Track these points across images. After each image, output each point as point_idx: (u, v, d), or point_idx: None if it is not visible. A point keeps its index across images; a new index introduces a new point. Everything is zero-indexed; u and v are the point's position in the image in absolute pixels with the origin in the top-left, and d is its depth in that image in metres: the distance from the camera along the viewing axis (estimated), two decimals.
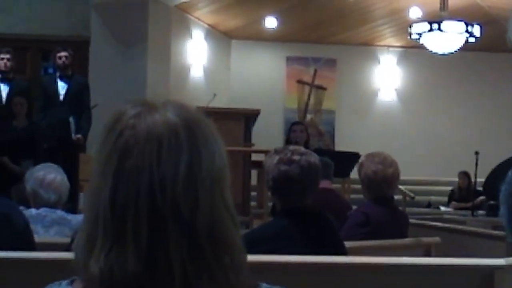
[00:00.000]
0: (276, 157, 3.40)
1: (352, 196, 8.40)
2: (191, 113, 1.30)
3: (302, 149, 3.54)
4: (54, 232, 4.21)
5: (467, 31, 10.76)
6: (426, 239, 4.66)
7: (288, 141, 8.62)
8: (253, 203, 9.02)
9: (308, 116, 13.90)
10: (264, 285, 1.36)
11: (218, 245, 1.24)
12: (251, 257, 2.83)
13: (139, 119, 1.25)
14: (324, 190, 4.99)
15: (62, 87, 8.86)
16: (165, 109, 1.28)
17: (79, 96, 8.90)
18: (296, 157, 3.37)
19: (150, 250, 1.19)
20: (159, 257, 1.19)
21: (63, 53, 8.89)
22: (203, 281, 1.22)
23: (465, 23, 10.69)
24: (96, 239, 1.22)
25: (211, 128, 1.32)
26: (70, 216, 4.29)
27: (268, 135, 10.41)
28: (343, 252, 3.51)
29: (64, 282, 1.31)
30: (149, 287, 1.20)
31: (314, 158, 3.44)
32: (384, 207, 4.59)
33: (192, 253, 1.21)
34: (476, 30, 10.86)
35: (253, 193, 9.03)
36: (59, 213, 4.28)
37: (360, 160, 4.75)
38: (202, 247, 1.22)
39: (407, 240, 4.60)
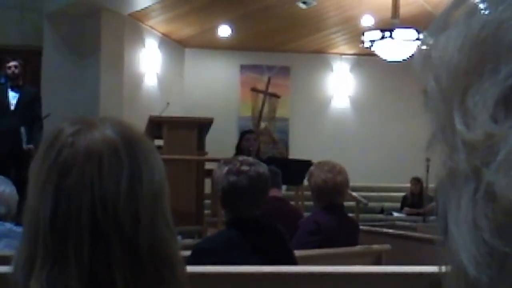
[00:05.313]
0: (225, 168, 3.40)
1: (306, 203, 8.42)
2: (130, 130, 1.31)
3: (251, 159, 3.54)
4: (3, 245, 4.16)
5: (418, 38, 10.86)
6: (376, 247, 4.68)
7: (239, 149, 8.62)
8: (207, 211, 9.01)
9: (262, 124, 13.91)
10: None
11: (159, 260, 1.24)
12: (200, 268, 2.84)
13: (78, 137, 1.25)
14: (273, 199, 5.00)
15: (13, 97, 8.80)
16: (104, 126, 1.28)
17: (30, 106, 8.83)
18: (245, 168, 3.38)
19: (92, 268, 1.19)
20: (101, 274, 1.19)
21: (12, 63, 8.83)
22: None
23: (417, 30, 10.79)
24: (36, 258, 1.21)
25: (149, 144, 1.33)
26: (19, 229, 4.24)
27: (222, 143, 10.39)
28: (293, 261, 3.53)
29: None
30: None
31: (263, 168, 3.45)
32: (335, 215, 4.63)
33: (134, 269, 1.21)
34: None
35: (207, 201, 9.02)
36: (8, 225, 4.23)
37: (309, 170, 4.78)
38: (143, 263, 1.22)
39: (357, 248, 4.64)
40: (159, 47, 12.77)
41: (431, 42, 0.56)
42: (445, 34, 0.54)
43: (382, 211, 12.67)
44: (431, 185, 11.05)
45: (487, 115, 0.49)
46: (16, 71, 8.85)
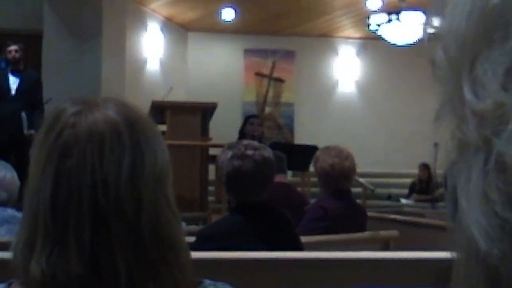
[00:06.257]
0: (230, 152, 3.38)
1: (313, 189, 8.38)
2: (132, 111, 1.31)
3: (256, 143, 3.53)
4: (4, 230, 4.12)
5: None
6: (384, 233, 4.67)
7: (242, 134, 8.57)
8: (211, 198, 8.97)
9: (267, 109, 13.87)
10: (207, 281, 1.37)
11: (162, 244, 1.24)
12: (204, 254, 2.79)
13: (80, 117, 1.25)
14: (279, 184, 4.97)
15: (13, 81, 8.78)
16: (106, 107, 1.28)
17: (31, 91, 8.81)
18: (249, 152, 3.35)
19: (94, 251, 1.19)
20: (102, 258, 1.20)
21: (13, 47, 8.83)
22: (148, 281, 1.22)
23: (424, 13, 10.70)
24: (36, 240, 1.21)
25: (152, 126, 1.34)
26: (21, 215, 4.17)
27: (226, 128, 10.32)
28: (299, 247, 3.51)
29: (2, 286, 1.30)
30: None
31: (268, 152, 3.43)
32: (342, 201, 4.63)
33: (136, 252, 1.21)
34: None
35: (211, 188, 8.98)
36: (10, 211, 4.20)
37: (315, 155, 4.74)
38: (146, 246, 1.22)
39: (365, 234, 4.64)
40: (161, 30, 12.75)
41: (436, 15, 0.56)
42: (452, 3, 0.54)
43: (389, 197, 12.59)
44: (439, 171, 11.02)
45: (497, 84, 0.49)
46: (17, 55, 8.83)
